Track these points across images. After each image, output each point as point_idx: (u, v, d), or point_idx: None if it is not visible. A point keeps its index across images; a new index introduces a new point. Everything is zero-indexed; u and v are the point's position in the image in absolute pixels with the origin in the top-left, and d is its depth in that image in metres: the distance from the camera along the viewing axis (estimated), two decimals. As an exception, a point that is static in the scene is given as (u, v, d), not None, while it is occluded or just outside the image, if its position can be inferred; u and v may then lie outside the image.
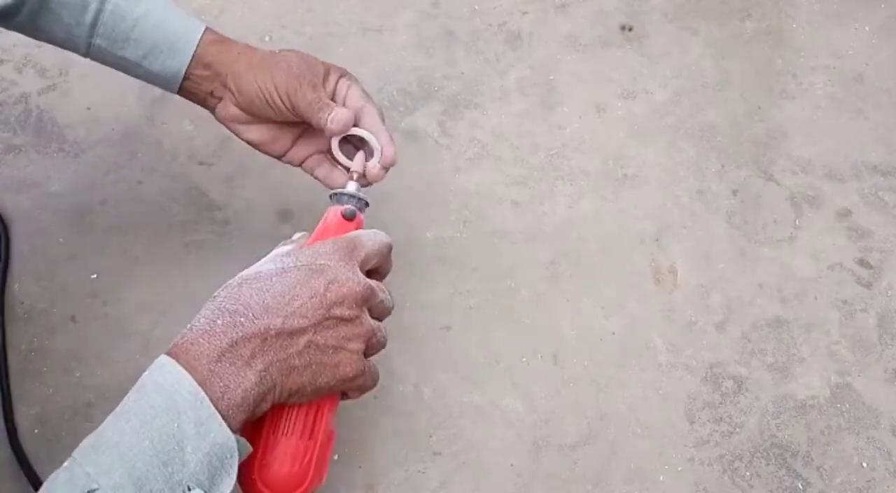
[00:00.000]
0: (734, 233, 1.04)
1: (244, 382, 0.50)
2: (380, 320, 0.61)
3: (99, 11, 0.66)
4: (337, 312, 0.54)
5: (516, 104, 1.13)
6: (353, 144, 0.70)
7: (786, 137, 1.12)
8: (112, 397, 0.89)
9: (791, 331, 0.98)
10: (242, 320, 0.51)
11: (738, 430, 0.91)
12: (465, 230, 1.02)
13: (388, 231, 0.63)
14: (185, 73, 0.69)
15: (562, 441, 0.89)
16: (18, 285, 0.94)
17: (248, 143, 0.72)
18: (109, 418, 0.47)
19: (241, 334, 0.51)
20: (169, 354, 0.51)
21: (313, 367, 0.54)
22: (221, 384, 0.49)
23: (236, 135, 0.71)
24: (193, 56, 0.68)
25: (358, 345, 0.57)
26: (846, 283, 1.01)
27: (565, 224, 1.03)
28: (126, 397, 0.48)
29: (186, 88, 0.71)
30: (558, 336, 0.95)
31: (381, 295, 0.60)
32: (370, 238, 0.60)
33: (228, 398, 0.48)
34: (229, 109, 0.69)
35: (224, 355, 0.50)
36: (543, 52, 1.18)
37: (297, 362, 0.53)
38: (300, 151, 0.72)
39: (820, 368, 0.96)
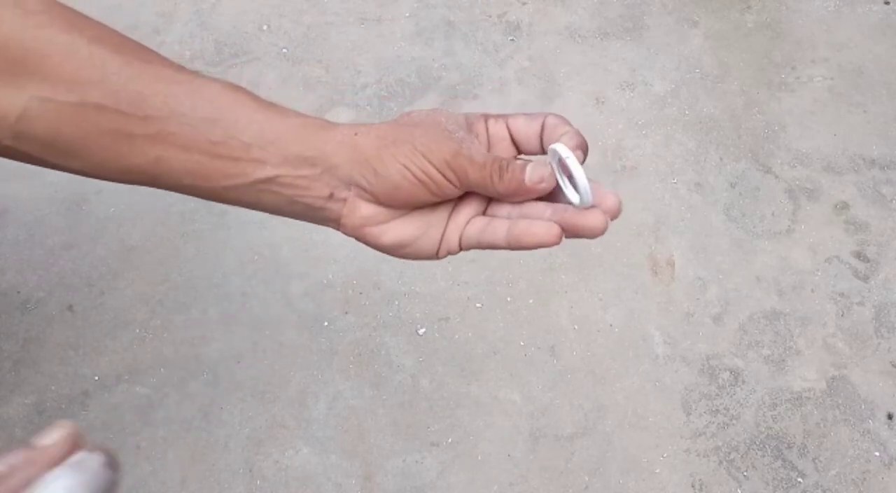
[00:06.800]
0: (732, 225, 1.04)
1: None
2: None
3: None
4: None
5: (515, 95, 1.12)
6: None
7: (784, 129, 1.12)
8: (109, 386, 0.89)
9: (788, 323, 0.98)
10: None
11: (734, 422, 0.91)
12: (464, 221, 1.02)
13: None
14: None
15: (559, 432, 0.90)
16: (15, 273, 0.94)
17: (391, 249, 0.51)
18: None
19: None
20: None
21: None
22: None
23: (373, 244, 0.51)
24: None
25: None
26: (843, 276, 1.01)
27: (563, 216, 1.03)
28: None
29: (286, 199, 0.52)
30: (556, 328, 0.96)
31: None
32: None
33: None
34: (360, 209, 0.50)
35: None
36: (543, 43, 1.18)
37: None
38: (454, 231, 0.52)
39: (816, 360, 0.96)
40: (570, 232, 0.47)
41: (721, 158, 1.09)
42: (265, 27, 1.15)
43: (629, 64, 1.16)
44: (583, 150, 0.47)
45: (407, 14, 1.19)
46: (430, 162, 0.47)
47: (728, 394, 0.93)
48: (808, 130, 1.12)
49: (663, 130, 1.11)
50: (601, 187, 0.46)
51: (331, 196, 0.50)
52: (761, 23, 1.21)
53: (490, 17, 1.20)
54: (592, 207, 0.46)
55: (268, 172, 0.50)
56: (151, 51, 0.54)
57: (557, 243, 0.48)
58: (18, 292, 0.93)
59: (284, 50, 1.15)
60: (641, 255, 1.01)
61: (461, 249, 0.51)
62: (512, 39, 1.18)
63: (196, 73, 0.53)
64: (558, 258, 1.00)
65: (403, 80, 1.12)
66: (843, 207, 1.07)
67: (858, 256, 1.03)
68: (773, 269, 1.01)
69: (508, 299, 0.97)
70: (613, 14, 1.21)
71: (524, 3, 1.21)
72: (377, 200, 0.50)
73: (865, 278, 1.02)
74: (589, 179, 0.45)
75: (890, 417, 0.92)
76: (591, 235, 0.46)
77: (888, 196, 1.07)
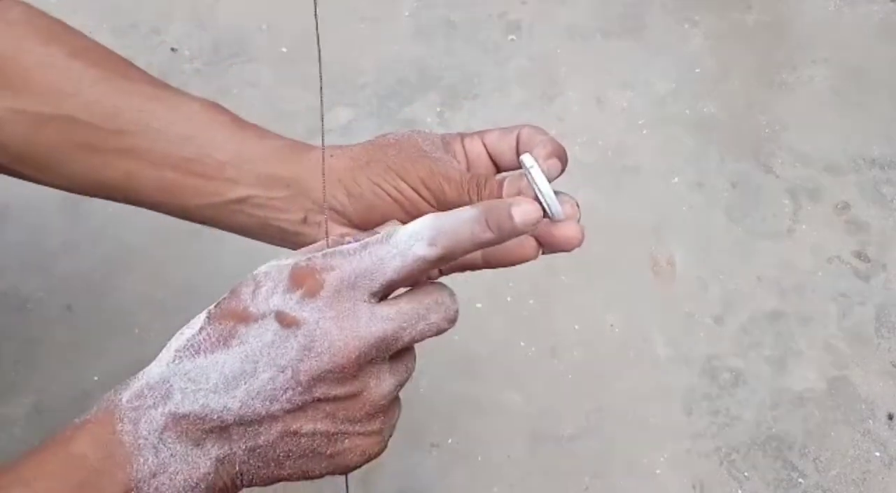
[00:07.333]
0: (733, 225, 1.04)
1: (192, 469, 0.39)
2: (409, 367, 0.42)
3: None
4: (320, 391, 0.37)
5: (515, 95, 1.12)
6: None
7: (785, 129, 1.12)
8: (110, 386, 0.88)
9: (789, 324, 0.98)
10: (184, 396, 0.39)
11: (735, 422, 0.91)
12: (464, 222, 1.02)
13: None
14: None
15: (559, 433, 0.90)
16: (14, 273, 0.94)
17: None
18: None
19: (186, 410, 0.39)
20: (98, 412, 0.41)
21: (300, 459, 0.40)
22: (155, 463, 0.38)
23: None
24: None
25: (369, 426, 0.42)
26: (844, 276, 1.01)
27: (564, 216, 1.03)
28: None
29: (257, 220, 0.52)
30: (557, 328, 0.95)
31: (407, 332, 0.39)
32: (393, 254, 0.38)
33: (162, 484, 0.38)
34: (333, 231, 0.49)
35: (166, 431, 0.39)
36: (543, 43, 1.17)
37: (272, 452, 0.39)
38: None
39: (817, 360, 0.96)
40: (546, 245, 0.46)
41: (722, 158, 1.09)
42: (264, 27, 1.15)
43: (629, 64, 1.16)
44: (559, 157, 0.45)
45: (407, 14, 1.19)
46: (404, 181, 0.46)
47: (729, 394, 0.93)
48: (809, 129, 1.12)
49: (664, 129, 1.11)
50: (568, 199, 0.45)
51: (305, 220, 0.49)
52: (762, 23, 1.21)
53: (490, 16, 1.19)
54: (566, 218, 0.44)
55: (240, 192, 0.49)
56: (136, 68, 0.53)
57: (535, 257, 0.47)
58: (18, 293, 0.93)
59: (284, 49, 1.15)
60: (642, 255, 1.01)
61: (441, 274, 0.49)
62: (512, 39, 1.18)
63: (177, 91, 0.52)
64: (559, 259, 1.00)
65: (403, 80, 1.12)
66: (844, 207, 1.07)
67: (859, 256, 1.03)
68: (775, 269, 1.01)
69: (509, 299, 0.97)
70: (614, 14, 1.21)
71: (524, 2, 1.21)
72: (352, 223, 0.48)
73: (866, 279, 1.01)
74: (559, 193, 0.43)
75: (890, 417, 0.92)
76: (566, 246, 0.45)
77: (889, 196, 1.07)
